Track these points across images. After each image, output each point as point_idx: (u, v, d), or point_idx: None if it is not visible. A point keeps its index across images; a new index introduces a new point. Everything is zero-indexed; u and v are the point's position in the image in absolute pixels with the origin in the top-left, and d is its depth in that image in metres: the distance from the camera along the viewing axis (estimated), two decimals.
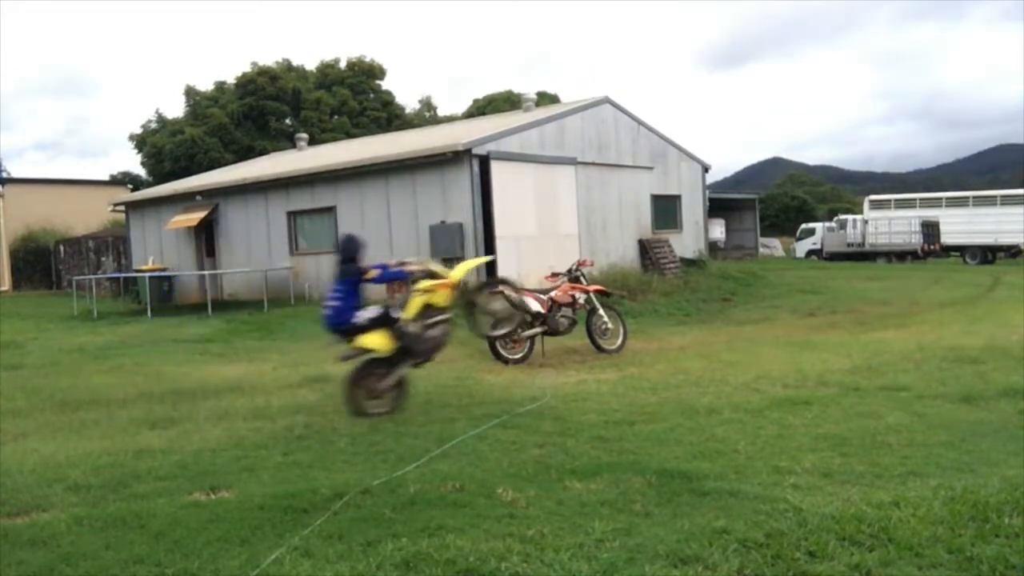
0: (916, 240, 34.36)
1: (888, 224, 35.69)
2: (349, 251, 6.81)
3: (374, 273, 6.74)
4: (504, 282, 8.15)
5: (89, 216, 33.11)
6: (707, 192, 26.68)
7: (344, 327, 6.52)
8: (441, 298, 6.76)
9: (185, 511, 4.28)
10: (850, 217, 39.60)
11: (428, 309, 6.72)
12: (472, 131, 19.83)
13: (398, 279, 6.92)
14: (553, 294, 10.34)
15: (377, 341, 6.43)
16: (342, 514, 4.11)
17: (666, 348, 11.12)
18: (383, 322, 6.52)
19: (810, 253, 39.77)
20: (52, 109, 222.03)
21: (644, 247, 21.81)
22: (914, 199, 37.97)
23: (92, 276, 23.35)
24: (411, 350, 6.58)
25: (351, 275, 6.65)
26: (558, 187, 19.10)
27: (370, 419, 6.45)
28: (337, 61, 50.38)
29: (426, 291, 6.77)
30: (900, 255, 34.54)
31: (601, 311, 10.69)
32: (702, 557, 3.37)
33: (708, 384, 7.82)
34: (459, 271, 7.06)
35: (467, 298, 6.80)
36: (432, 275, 6.91)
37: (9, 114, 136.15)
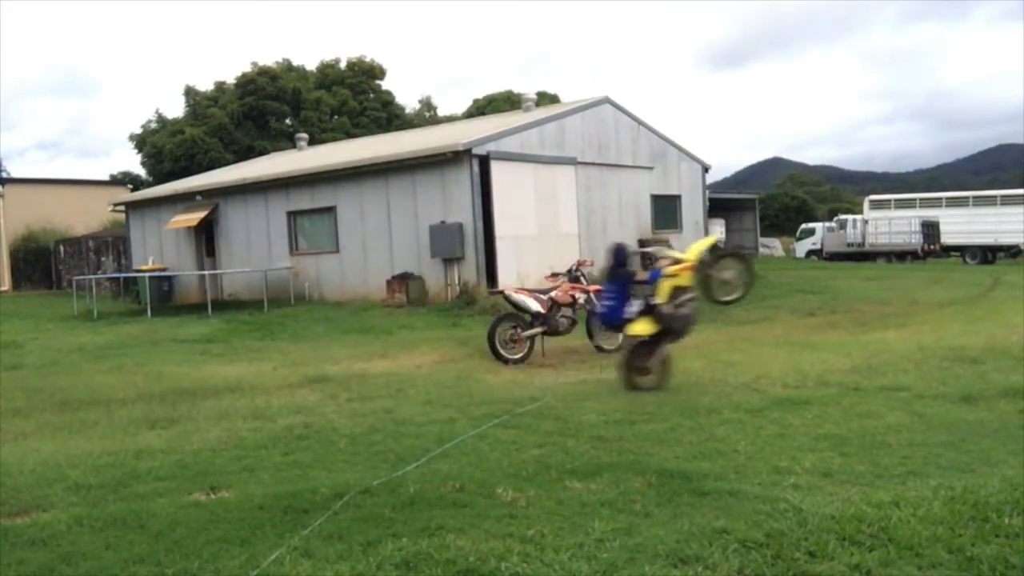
0: (916, 240, 34.36)
1: (888, 224, 35.70)
2: (620, 258, 7.82)
3: (644, 275, 7.77)
4: (735, 255, 8.65)
5: (89, 216, 33.13)
6: (707, 192, 26.69)
7: (619, 321, 7.63)
8: (685, 279, 7.53)
9: (185, 511, 4.28)
10: (850, 217, 39.62)
11: (676, 291, 7.48)
12: (472, 131, 19.84)
13: (660, 277, 7.65)
14: (553, 294, 10.35)
15: (643, 327, 7.41)
16: (342, 514, 4.11)
17: None
18: (647, 311, 7.46)
19: (810, 253, 39.79)
20: (53, 109, 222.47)
21: (644, 247, 21.82)
22: (914, 199, 37.98)
23: (92, 276, 23.36)
24: (669, 329, 7.47)
25: (623, 278, 7.75)
26: (558, 187, 19.10)
27: (642, 393, 7.23)
28: (337, 61, 50.43)
29: (672, 275, 7.54)
30: (900, 255, 34.54)
31: None
32: (702, 557, 3.37)
33: (708, 384, 7.81)
34: (693, 252, 7.78)
35: (703, 272, 7.63)
36: (676, 261, 7.71)
37: (11, 114, 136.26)
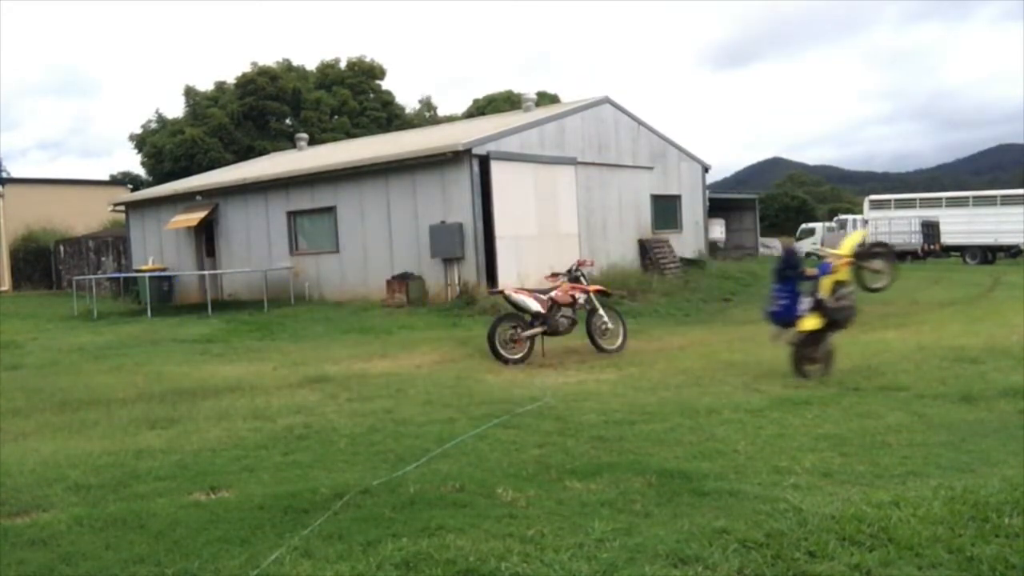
0: (916, 240, 34.35)
1: (888, 224, 35.69)
2: (793, 261, 8.29)
3: (813, 271, 8.21)
4: (881, 245, 9.13)
5: (89, 216, 33.12)
6: (707, 192, 26.69)
7: (793, 319, 8.05)
8: (844, 273, 8.06)
9: (185, 511, 4.28)
10: (850, 217, 39.62)
11: (836, 285, 8.03)
12: (472, 131, 19.84)
13: (827, 271, 8.12)
14: (553, 294, 10.35)
15: (813, 322, 7.94)
16: (342, 514, 4.11)
17: (666, 348, 11.13)
18: (816, 307, 7.98)
19: (810, 253, 39.68)
20: (54, 109, 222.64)
21: (644, 247, 21.81)
22: (914, 199, 37.98)
23: (92, 276, 23.35)
24: (834, 321, 8.02)
25: (793, 277, 8.17)
26: (558, 187, 19.10)
27: (811, 379, 7.78)
28: (337, 61, 50.41)
29: (833, 271, 8.05)
30: (900, 255, 34.53)
31: (601, 311, 10.70)
32: (702, 557, 3.37)
33: (708, 384, 7.82)
34: (847, 247, 8.24)
35: (857, 264, 8.19)
36: (837, 257, 8.20)
37: (12, 114, 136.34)
